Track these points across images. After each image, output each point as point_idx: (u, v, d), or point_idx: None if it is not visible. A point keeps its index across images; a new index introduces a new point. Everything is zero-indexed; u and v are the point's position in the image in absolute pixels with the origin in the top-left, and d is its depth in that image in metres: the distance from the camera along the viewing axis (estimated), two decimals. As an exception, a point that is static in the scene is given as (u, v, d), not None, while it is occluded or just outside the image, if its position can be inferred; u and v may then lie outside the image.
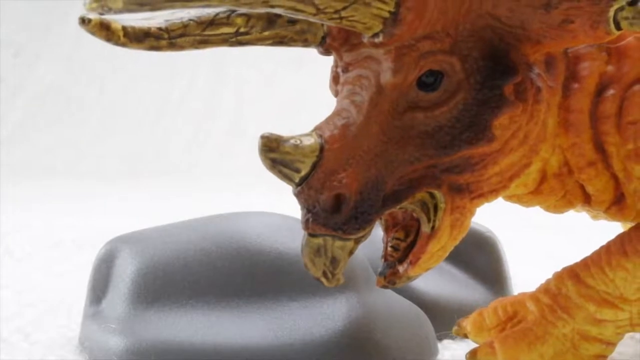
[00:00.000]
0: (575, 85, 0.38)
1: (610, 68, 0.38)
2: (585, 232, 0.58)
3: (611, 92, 0.38)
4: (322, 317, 0.46)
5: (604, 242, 0.43)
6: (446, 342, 0.52)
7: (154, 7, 0.30)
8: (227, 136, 1.89)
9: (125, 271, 0.47)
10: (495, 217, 0.61)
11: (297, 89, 1.90)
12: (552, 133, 0.38)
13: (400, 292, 0.52)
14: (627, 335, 0.53)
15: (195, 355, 0.43)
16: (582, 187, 0.41)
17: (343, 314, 0.46)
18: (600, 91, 0.38)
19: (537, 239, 0.89)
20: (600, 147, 0.39)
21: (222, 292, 0.47)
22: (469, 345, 0.52)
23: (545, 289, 0.42)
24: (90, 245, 0.85)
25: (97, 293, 0.48)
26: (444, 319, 0.52)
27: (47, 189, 1.54)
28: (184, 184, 1.60)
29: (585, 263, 0.41)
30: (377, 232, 0.54)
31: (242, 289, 0.47)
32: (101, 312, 0.47)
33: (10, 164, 1.83)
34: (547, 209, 0.42)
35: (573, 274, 0.41)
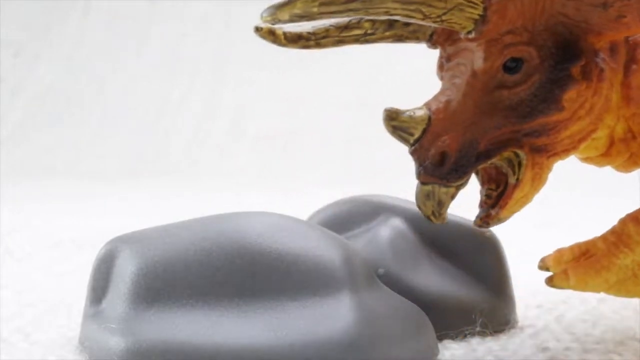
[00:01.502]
0: (634, 67, 0.47)
1: None
2: (585, 232, 0.59)
3: None
4: (322, 317, 0.46)
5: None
6: (446, 342, 0.52)
7: (310, 19, 0.40)
8: (227, 136, 1.89)
9: (125, 271, 0.47)
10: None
11: (297, 89, 1.90)
12: (616, 105, 0.47)
13: (400, 292, 0.52)
14: (628, 336, 0.53)
15: (195, 355, 0.43)
16: None
17: (343, 314, 0.46)
18: None
19: (537, 239, 0.89)
20: None
21: (222, 292, 0.47)
22: (469, 345, 0.52)
23: (611, 230, 0.51)
24: (90, 245, 0.85)
25: (97, 293, 0.48)
26: (444, 319, 0.52)
27: (47, 189, 1.54)
28: (184, 184, 1.60)
29: None
30: (379, 234, 0.54)
31: (242, 289, 0.47)
32: (101, 312, 0.47)
33: (10, 164, 1.83)
34: (617, 168, 0.51)
35: (634, 217, 0.50)
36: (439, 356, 0.50)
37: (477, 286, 0.55)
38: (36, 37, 2.19)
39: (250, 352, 0.44)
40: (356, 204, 0.59)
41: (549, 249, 0.62)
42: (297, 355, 0.44)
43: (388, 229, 0.55)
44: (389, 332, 0.46)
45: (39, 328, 0.56)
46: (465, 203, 0.53)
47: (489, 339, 0.53)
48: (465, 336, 0.53)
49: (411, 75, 1.70)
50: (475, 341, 0.52)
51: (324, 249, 0.49)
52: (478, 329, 0.53)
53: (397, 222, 0.56)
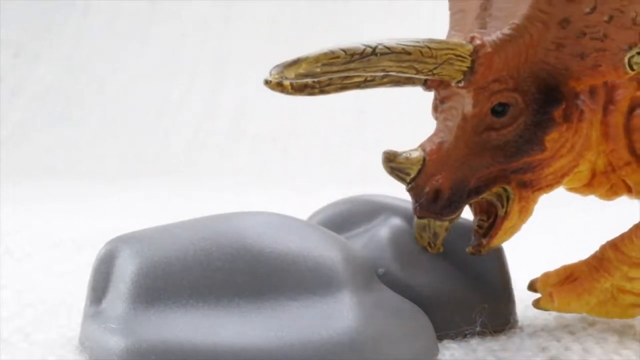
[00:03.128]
0: (612, 107, 0.51)
1: (638, 93, 0.52)
2: (582, 237, 0.59)
3: (638, 111, 0.52)
4: (322, 317, 0.46)
5: (596, 244, 0.55)
6: (446, 342, 0.52)
7: (313, 77, 0.45)
8: (227, 136, 1.89)
9: (125, 271, 0.47)
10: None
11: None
12: (596, 142, 0.51)
13: (400, 292, 0.52)
14: (628, 336, 0.53)
15: (195, 355, 0.43)
16: (624, 181, 0.53)
17: (343, 314, 0.46)
18: (631, 110, 0.52)
19: (538, 241, 0.89)
20: (633, 151, 0.52)
21: (222, 292, 0.47)
22: (469, 345, 0.52)
23: (593, 256, 0.54)
24: (90, 245, 0.85)
25: (97, 293, 0.48)
26: (444, 319, 0.52)
27: (47, 189, 1.54)
28: (184, 184, 1.60)
29: (622, 236, 0.53)
30: (379, 234, 0.54)
31: (242, 289, 0.47)
32: (101, 312, 0.47)
33: (10, 164, 1.83)
34: (600, 197, 0.55)
35: (613, 244, 0.53)
36: (439, 356, 0.50)
37: (477, 286, 0.55)
38: (36, 37, 2.19)
39: (250, 352, 0.44)
40: (356, 203, 0.59)
41: (547, 252, 0.62)
42: (297, 355, 0.44)
43: (388, 229, 0.55)
44: (389, 332, 0.46)
45: (39, 328, 0.56)
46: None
47: (489, 338, 0.53)
48: (465, 336, 0.53)
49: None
50: (475, 341, 0.52)
51: (324, 248, 0.49)
52: (478, 329, 0.53)
53: (397, 222, 0.56)
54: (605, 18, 0.48)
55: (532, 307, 0.56)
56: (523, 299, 0.61)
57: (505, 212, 0.50)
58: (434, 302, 0.52)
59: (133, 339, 0.44)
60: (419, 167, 0.48)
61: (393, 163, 0.49)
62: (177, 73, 2.05)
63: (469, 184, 0.49)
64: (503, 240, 0.51)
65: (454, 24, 0.52)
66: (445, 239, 0.53)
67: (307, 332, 0.45)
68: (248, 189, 1.50)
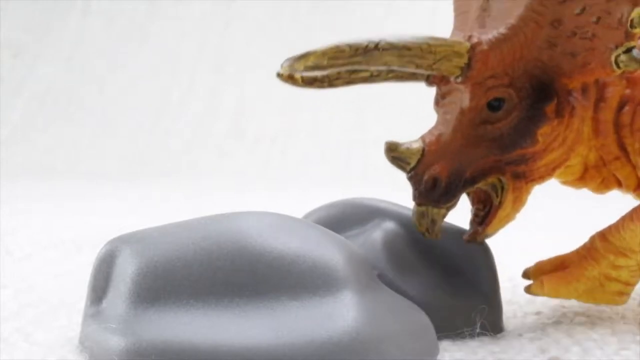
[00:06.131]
0: (602, 104, 0.54)
1: (627, 91, 0.54)
2: (574, 234, 0.60)
3: (627, 108, 0.54)
4: (322, 317, 0.46)
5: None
6: (445, 344, 0.52)
7: (320, 69, 0.48)
8: (227, 136, 1.89)
9: (126, 271, 0.47)
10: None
11: (297, 90, 1.90)
12: (587, 137, 0.54)
13: (400, 292, 0.52)
14: (628, 337, 0.53)
15: (195, 355, 0.43)
16: (615, 175, 0.56)
17: (343, 313, 0.46)
18: (620, 107, 0.54)
19: (539, 249, 0.89)
20: (622, 146, 0.54)
21: (222, 292, 0.47)
22: (468, 346, 0.52)
23: (583, 246, 0.56)
24: (90, 245, 0.85)
25: (97, 293, 0.48)
26: (440, 321, 0.52)
27: (47, 189, 1.54)
28: (184, 184, 1.60)
29: (610, 227, 0.55)
30: (372, 237, 0.54)
31: (242, 289, 0.47)
32: (101, 312, 0.47)
33: (10, 164, 1.83)
34: (593, 190, 0.58)
35: (601, 234, 0.55)
36: (439, 357, 0.50)
37: (469, 290, 0.55)
38: (36, 37, 2.19)
39: (250, 352, 0.44)
40: (349, 206, 0.58)
41: (541, 251, 0.63)
42: (297, 355, 0.44)
43: (382, 232, 0.55)
44: (389, 332, 0.46)
45: (39, 328, 0.56)
46: (458, 209, 0.53)
47: (486, 342, 0.53)
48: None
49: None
50: (475, 343, 0.52)
51: (325, 248, 0.49)
52: (478, 330, 0.53)
53: (391, 226, 0.56)
54: (594, 19, 0.50)
55: (530, 313, 0.56)
56: (522, 305, 0.61)
57: (500, 202, 0.53)
58: (427, 306, 0.52)
59: (133, 339, 0.44)
60: (419, 157, 0.51)
61: (394, 153, 0.51)
62: (177, 73, 2.05)
63: (465, 174, 0.52)
64: (497, 229, 0.54)
65: (457, 24, 0.55)
66: (437, 245, 0.54)
67: (307, 332, 0.45)
68: (248, 189, 1.50)
